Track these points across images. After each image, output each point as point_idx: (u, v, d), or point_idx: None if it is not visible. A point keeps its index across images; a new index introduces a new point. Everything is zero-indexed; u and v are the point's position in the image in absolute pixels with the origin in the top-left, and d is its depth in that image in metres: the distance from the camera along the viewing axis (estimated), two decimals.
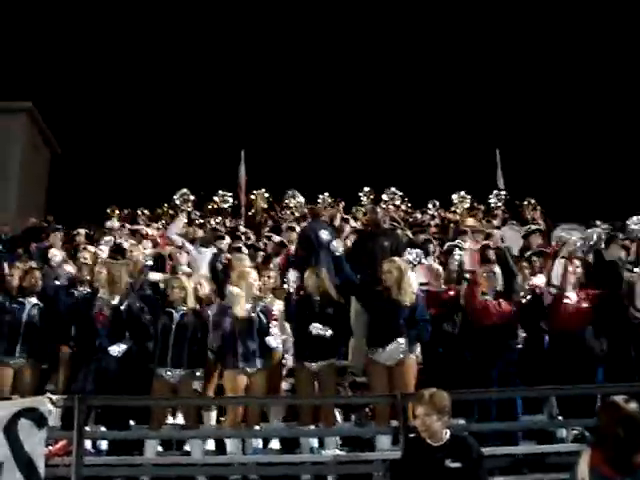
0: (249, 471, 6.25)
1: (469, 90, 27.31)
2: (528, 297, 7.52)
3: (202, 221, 14.16)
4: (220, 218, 15.15)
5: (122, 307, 6.86)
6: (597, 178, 23.01)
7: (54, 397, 5.24)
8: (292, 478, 6.15)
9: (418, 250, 8.10)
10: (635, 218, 9.06)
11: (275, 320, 7.00)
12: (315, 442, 6.55)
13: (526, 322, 7.23)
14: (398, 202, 15.77)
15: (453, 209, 15.39)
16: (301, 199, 15.50)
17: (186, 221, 12.41)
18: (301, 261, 8.34)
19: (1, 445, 4.91)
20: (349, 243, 9.36)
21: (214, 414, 6.99)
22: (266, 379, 6.56)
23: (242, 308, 6.53)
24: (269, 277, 7.70)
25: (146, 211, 15.10)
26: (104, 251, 9.66)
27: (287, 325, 7.12)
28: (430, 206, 15.31)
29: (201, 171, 22.56)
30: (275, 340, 6.72)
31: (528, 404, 6.79)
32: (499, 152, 16.99)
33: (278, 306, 7.25)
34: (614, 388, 5.43)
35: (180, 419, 7.02)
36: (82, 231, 11.55)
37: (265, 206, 16.03)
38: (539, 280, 7.66)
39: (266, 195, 16.34)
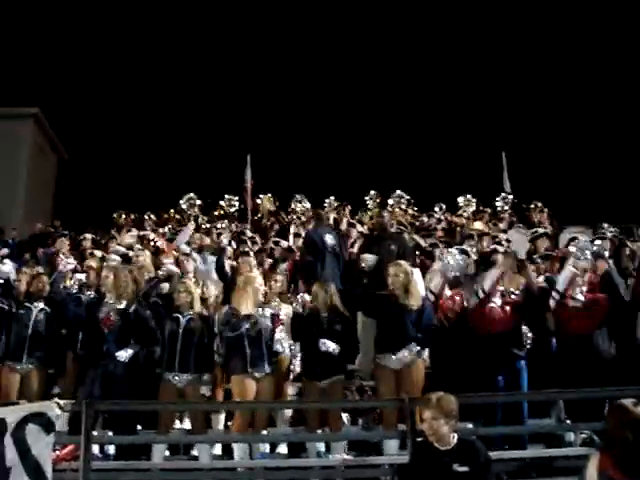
0: (256, 476, 6.26)
1: (475, 93, 27.27)
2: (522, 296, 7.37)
3: (208, 226, 14.16)
4: (226, 222, 15.15)
5: (129, 312, 6.86)
6: (604, 181, 22.95)
7: (62, 402, 5.25)
8: None
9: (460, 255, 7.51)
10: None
11: (282, 325, 7.02)
12: (322, 446, 6.57)
13: (532, 324, 7.18)
14: (404, 206, 15.73)
15: (460, 213, 15.34)
16: (307, 205, 15.50)
17: (194, 228, 12.40)
18: (308, 266, 8.36)
19: (9, 450, 4.92)
20: (356, 248, 9.36)
21: (222, 416, 6.99)
22: (273, 384, 6.57)
23: (250, 313, 6.53)
24: (276, 282, 7.71)
25: (153, 216, 15.11)
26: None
27: None
28: (437, 209, 15.27)
29: (207, 175, 22.56)
30: (281, 345, 6.70)
31: (536, 407, 6.76)
32: (505, 155, 16.96)
33: (285, 311, 7.26)
34: (622, 391, 5.40)
35: (187, 424, 7.03)
36: (89, 236, 11.56)
37: (272, 208, 16.02)
38: (543, 283, 7.64)
39: (272, 199, 16.34)
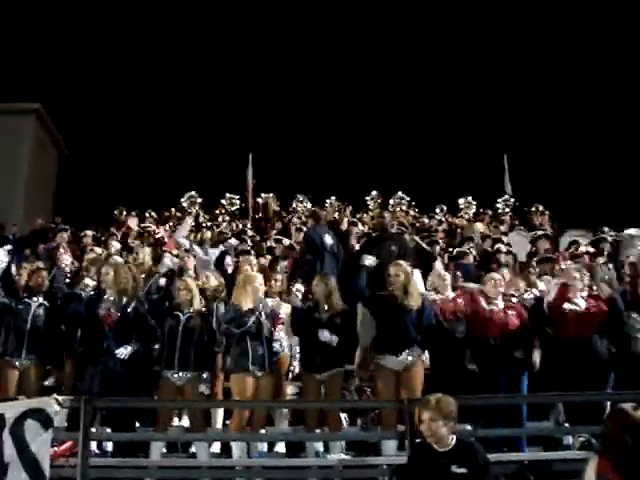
0: (254, 474, 6.24)
1: (477, 96, 27.25)
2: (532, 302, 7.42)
3: (210, 223, 14.18)
4: (228, 219, 15.18)
5: (129, 309, 6.86)
6: (605, 184, 22.93)
7: (60, 398, 5.25)
8: None
9: None
10: None
11: (281, 324, 7.01)
12: (321, 446, 6.56)
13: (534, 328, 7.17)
14: (405, 207, 15.77)
15: (460, 214, 15.38)
16: (308, 205, 15.53)
17: (193, 224, 12.42)
18: (307, 264, 8.37)
19: (7, 445, 4.93)
20: (357, 248, 9.37)
21: (221, 412, 7.00)
22: (272, 383, 6.57)
23: (248, 311, 6.53)
24: (276, 280, 7.70)
25: (154, 213, 15.12)
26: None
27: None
28: (437, 211, 15.31)
29: (208, 174, 22.57)
30: (281, 344, 6.69)
31: (535, 410, 6.76)
32: (507, 157, 17.00)
33: (285, 309, 7.25)
34: (621, 395, 5.41)
35: (186, 421, 7.03)
36: (89, 232, 11.58)
37: (278, 209, 16.05)
38: (543, 285, 7.65)
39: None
